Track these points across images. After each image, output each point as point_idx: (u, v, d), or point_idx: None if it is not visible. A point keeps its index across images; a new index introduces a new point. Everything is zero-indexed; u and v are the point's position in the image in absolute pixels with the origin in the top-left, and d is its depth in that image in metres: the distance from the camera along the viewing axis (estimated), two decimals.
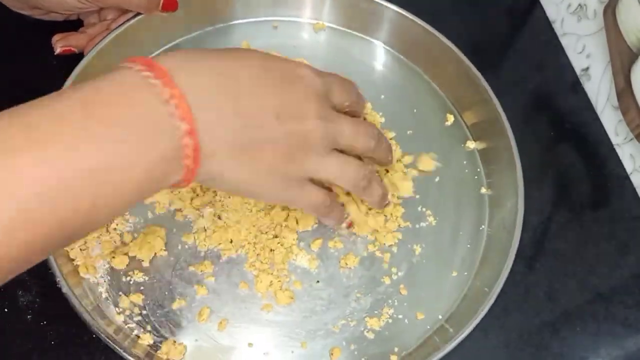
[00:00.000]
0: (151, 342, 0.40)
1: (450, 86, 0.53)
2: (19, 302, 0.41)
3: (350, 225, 0.45)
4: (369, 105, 0.51)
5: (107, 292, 0.42)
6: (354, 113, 0.39)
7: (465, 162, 0.50)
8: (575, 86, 0.57)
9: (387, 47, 0.55)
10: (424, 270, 0.45)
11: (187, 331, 0.41)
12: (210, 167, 0.31)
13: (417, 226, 0.47)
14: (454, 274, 0.46)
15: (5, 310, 0.41)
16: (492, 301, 0.41)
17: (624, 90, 0.49)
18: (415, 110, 0.52)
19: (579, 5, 0.56)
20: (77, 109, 0.26)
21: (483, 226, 0.48)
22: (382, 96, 0.52)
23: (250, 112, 0.31)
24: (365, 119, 0.48)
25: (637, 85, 0.47)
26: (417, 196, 0.48)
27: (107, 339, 0.37)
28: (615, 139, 0.54)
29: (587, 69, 0.56)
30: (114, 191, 0.27)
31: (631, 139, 0.51)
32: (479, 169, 0.50)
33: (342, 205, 0.44)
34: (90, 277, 0.42)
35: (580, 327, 0.46)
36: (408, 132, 0.51)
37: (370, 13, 0.53)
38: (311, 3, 0.54)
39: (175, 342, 0.40)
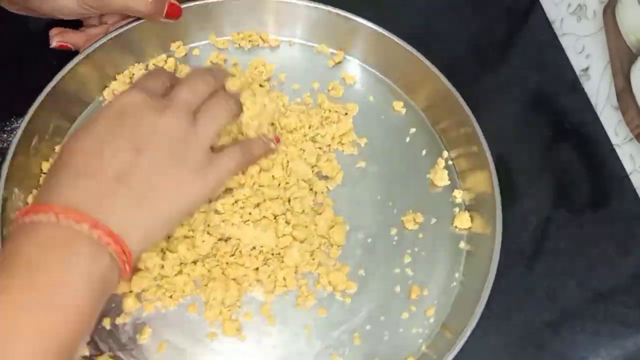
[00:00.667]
0: (87, 354, 0.38)
1: (448, 131, 0.50)
2: None
3: (277, 140, 0.44)
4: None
5: None
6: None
7: (448, 210, 0.48)
8: (575, 86, 0.57)
9: (364, 65, 0.52)
10: (382, 321, 0.43)
11: (125, 348, 0.39)
12: (138, 235, 0.34)
13: (391, 271, 0.44)
14: (414, 330, 0.43)
15: None
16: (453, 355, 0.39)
17: (623, 90, 0.49)
18: (401, 143, 0.50)
19: (579, 5, 0.56)
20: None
21: (454, 283, 0.45)
22: (360, 116, 0.50)
23: (118, 172, 0.34)
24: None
25: (637, 85, 0.48)
26: (394, 242, 0.45)
27: None
28: (615, 139, 0.54)
29: (586, 69, 0.56)
30: (77, 309, 0.31)
31: (631, 139, 0.51)
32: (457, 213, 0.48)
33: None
34: None
35: (580, 327, 0.46)
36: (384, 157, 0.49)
37: (346, 30, 0.50)
38: (282, 21, 0.52)
39: (111, 357, 0.39)
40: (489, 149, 0.46)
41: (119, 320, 0.40)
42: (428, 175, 0.49)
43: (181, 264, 0.41)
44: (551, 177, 0.52)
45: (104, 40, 0.46)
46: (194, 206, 0.38)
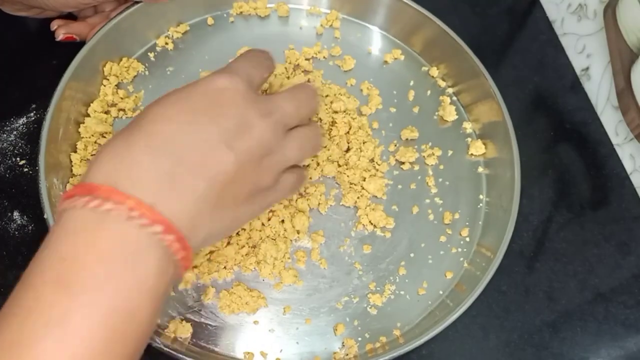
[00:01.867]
0: (158, 321, 0.40)
1: (447, 70, 0.54)
2: None
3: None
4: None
5: None
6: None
7: (461, 141, 0.51)
8: (575, 86, 0.57)
9: (384, 32, 0.55)
10: (423, 247, 0.46)
11: (194, 310, 0.42)
12: (201, 238, 0.30)
13: (421, 203, 0.48)
14: (453, 250, 0.46)
15: None
16: (490, 275, 0.42)
17: (624, 90, 0.49)
18: (412, 97, 0.53)
19: (579, 5, 0.56)
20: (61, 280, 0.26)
21: (481, 204, 0.49)
22: (380, 83, 0.53)
23: (203, 163, 0.29)
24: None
25: (637, 85, 0.48)
26: (419, 177, 0.49)
27: None
28: (615, 139, 0.54)
29: (587, 69, 0.56)
30: (135, 319, 0.27)
31: (631, 139, 0.51)
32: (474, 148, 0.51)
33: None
34: None
35: (580, 327, 0.46)
36: (405, 120, 0.51)
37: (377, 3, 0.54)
38: None
39: (182, 320, 0.41)
40: (492, 79, 0.50)
41: (181, 287, 0.42)
42: (437, 113, 0.52)
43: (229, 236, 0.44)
44: (551, 177, 0.52)
45: (109, 26, 0.47)
46: (250, 219, 0.36)
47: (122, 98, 0.48)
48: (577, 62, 0.57)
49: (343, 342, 0.42)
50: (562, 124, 0.55)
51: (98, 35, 0.47)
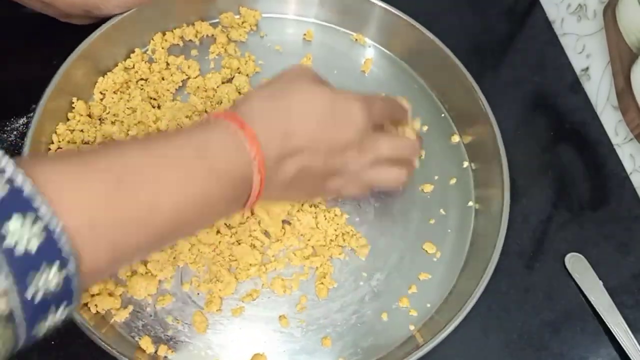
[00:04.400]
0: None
1: (440, 84, 0.53)
2: None
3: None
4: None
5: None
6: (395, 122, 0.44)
7: (451, 157, 0.51)
8: (575, 86, 0.57)
9: (375, 44, 0.55)
10: (413, 261, 0.46)
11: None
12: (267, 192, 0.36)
13: (406, 214, 0.47)
14: (446, 262, 0.46)
15: None
16: (479, 292, 0.42)
17: (623, 90, 0.49)
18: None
19: (579, 5, 0.56)
20: (190, 156, 0.32)
21: (471, 213, 0.48)
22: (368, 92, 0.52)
23: (304, 148, 0.36)
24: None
25: (637, 85, 0.48)
26: (410, 186, 0.49)
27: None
28: (615, 139, 0.54)
29: (587, 69, 0.56)
30: (210, 208, 0.33)
31: (631, 139, 0.51)
32: (465, 163, 0.51)
33: None
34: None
35: (580, 327, 0.46)
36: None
37: (359, 10, 0.53)
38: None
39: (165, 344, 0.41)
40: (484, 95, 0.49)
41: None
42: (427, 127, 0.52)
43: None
44: (551, 177, 0.52)
45: (103, 29, 0.47)
46: (302, 199, 0.45)
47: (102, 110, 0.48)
48: (577, 62, 0.57)
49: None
50: (562, 124, 0.55)
51: (79, 49, 0.46)
